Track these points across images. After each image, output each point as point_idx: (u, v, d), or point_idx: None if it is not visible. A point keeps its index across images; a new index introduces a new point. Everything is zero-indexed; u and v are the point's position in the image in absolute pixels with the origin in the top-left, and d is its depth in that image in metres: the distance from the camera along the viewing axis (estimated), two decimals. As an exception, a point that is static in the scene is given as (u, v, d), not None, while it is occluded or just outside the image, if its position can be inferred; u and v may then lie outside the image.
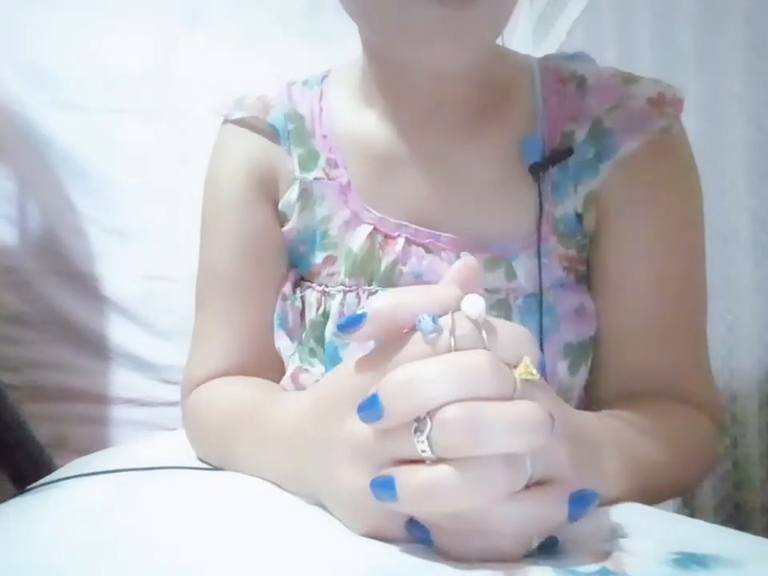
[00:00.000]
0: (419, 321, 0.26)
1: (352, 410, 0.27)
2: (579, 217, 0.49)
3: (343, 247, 0.51)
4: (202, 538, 0.31)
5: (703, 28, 0.76)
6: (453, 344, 0.25)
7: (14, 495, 0.41)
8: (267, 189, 0.53)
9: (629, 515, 0.33)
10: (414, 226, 0.50)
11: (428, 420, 0.24)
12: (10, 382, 1.14)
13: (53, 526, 0.35)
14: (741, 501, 0.72)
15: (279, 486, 0.38)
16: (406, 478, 0.25)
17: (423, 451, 0.24)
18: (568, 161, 0.47)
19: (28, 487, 0.43)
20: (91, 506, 0.38)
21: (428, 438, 0.24)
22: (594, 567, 0.26)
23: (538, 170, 0.47)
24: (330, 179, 0.51)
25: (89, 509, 0.37)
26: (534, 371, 0.26)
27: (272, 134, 0.53)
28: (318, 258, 0.53)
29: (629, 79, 0.49)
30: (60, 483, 0.42)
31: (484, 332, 0.26)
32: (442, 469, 0.24)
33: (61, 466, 0.54)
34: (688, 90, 0.78)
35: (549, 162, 0.47)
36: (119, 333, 1.27)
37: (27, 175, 1.25)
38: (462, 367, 0.24)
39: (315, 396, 0.34)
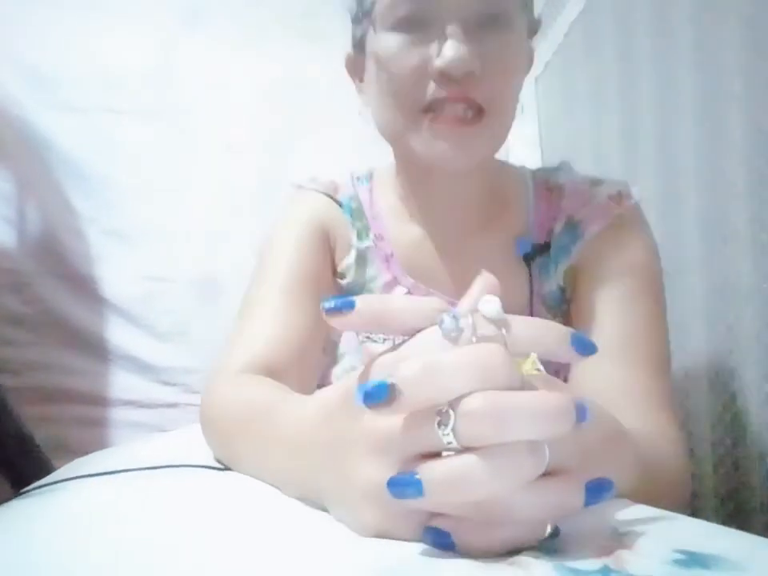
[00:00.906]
0: (441, 321, 0.27)
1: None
2: (562, 290, 0.61)
3: None
4: (206, 540, 0.31)
5: (702, 29, 0.76)
6: (474, 342, 0.27)
7: (14, 497, 0.41)
8: (326, 242, 0.65)
9: (630, 514, 0.33)
10: (438, 294, 0.62)
11: (450, 412, 0.25)
12: (9, 383, 1.13)
13: (54, 527, 0.35)
14: (741, 501, 0.72)
15: (279, 490, 0.38)
16: (430, 471, 0.25)
17: (449, 443, 0.25)
18: (550, 248, 0.61)
19: (27, 489, 0.43)
20: (92, 507, 0.38)
21: (453, 429, 0.25)
22: (595, 565, 0.26)
23: (528, 260, 0.61)
24: (378, 249, 0.65)
25: (90, 510, 0.37)
26: (540, 367, 0.27)
27: (338, 207, 0.67)
28: None
29: (595, 183, 0.62)
30: (60, 485, 0.42)
31: (504, 330, 0.27)
32: (468, 457, 0.25)
33: (59, 468, 0.54)
34: (688, 90, 0.78)
35: (535, 253, 0.61)
36: (119, 334, 1.27)
37: (27, 177, 1.25)
38: (478, 358, 0.26)
39: (321, 402, 0.35)
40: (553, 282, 0.61)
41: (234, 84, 1.36)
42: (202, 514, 0.35)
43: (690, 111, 0.78)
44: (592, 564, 0.26)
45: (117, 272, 1.28)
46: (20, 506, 0.40)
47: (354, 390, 0.29)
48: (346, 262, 0.65)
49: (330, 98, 1.19)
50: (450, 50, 0.49)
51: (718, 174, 0.74)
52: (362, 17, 0.57)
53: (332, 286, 0.65)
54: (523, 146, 1.37)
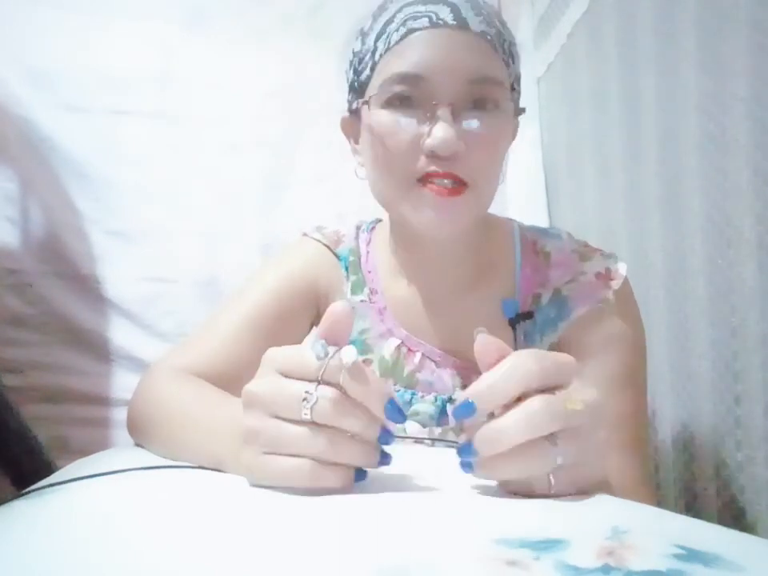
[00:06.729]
0: (313, 345, 0.38)
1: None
2: None
3: (377, 353, 0.69)
4: (207, 540, 0.31)
5: (706, 29, 0.76)
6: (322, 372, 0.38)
7: (15, 497, 0.41)
8: (310, 295, 0.69)
9: (631, 513, 0.33)
10: (429, 346, 0.67)
11: (315, 394, 0.37)
12: (11, 383, 1.14)
13: (55, 527, 0.34)
14: (745, 504, 0.71)
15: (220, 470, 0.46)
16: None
17: (306, 414, 0.37)
18: (535, 317, 0.64)
19: (30, 489, 0.43)
20: (93, 507, 0.38)
21: (312, 407, 0.36)
22: (596, 563, 0.26)
23: (513, 323, 0.64)
24: (371, 302, 0.69)
25: (90, 510, 0.37)
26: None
27: (336, 261, 0.71)
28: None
29: (584, 256, 0.65)
30: (62, 486, 0.42)
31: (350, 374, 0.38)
32: (314, 429, 0.37)
33: (61, 468, 0.54)
34: (691, 92, 0.78)
35: (520, 318, 0.64)
36: (120, 335, 1.27)
37: (29, 177, 1.25)
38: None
39: None
40: None
41: (237, 84, 1.36)
42: (203, 513, 0.35)
43: (694, 112, 0.78)
44: (593, 562, 0.26)
45: (119, 272, 1.28)
46: (21, 507, 0.40)
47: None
48: None
49: (335, 97, 1.19)
50: (440, 132, 0.53)
51: (721, 176, 0.74)
52: (357, 87, 0.61)
53: (303, 333, 0.69)
54: (525, 147, 1.37)
